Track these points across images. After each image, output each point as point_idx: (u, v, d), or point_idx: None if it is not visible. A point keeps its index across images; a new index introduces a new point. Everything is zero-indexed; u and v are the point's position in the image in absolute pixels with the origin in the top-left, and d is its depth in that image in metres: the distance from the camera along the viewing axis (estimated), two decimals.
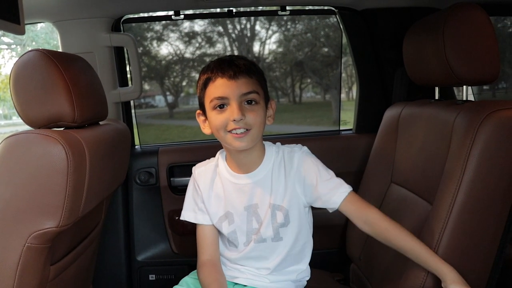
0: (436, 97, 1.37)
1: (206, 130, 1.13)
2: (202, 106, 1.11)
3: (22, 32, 0.84)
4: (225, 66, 1.04)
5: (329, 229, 1.72)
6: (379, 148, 1.56)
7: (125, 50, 1.79)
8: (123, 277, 1.81)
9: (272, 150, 1.14)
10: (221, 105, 1.04)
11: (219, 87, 1.04)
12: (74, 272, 1.31)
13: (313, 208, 1.19)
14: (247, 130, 1.04)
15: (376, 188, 1.48)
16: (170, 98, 9.20)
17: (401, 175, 1.39)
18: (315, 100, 9.38)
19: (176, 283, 1.22)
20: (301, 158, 1.11)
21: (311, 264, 1.21)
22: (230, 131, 1.04)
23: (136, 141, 1.96)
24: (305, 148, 1.15)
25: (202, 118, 1.13)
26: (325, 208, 1.14)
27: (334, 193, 1.09)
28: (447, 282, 0.98)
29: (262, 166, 1.12)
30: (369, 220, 1.07)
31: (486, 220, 1.06)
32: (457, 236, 1.05)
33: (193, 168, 1.21)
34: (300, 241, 1.16)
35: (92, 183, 1.14)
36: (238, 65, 1.04)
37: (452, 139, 1.11)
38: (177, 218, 1.76)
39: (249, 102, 1.04)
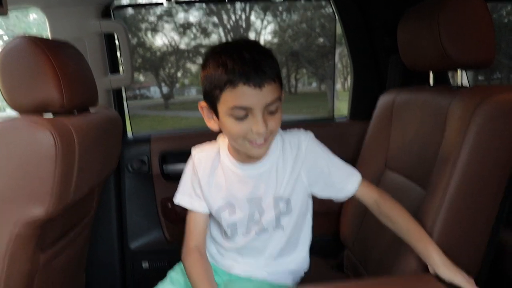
0: (431, 83, 1.36)
1: (213, 126, 1.01)
2: (211, 103, 0.96)
3: (4, 12, 0.82)
4: (248, 69, 0.89)
5: (323, 215, 1.71)
6: (373, 134, 1.55)
7: (116, 37, 1.76)
8: (116, 265, 1.80)
9: (277, 140, 1.07)
10: (243, 115, 0.93)
11: (242, 95, 0.90)
12: (66, 260, 1.30)
13: None
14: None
15: (371, 174, 1.46)
16: (165, 89, 9.16)
17: (396, 161, 1.38)
18: (311, 91, 9.37)
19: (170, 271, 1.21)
20: (310, 144, 1.07)
21: None
22: (249, 140, 0.96)
23: (129, 131, 1.94)
24: (311, 133, 1.10)
25: (208, 112, 1.00)
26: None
27: (348, 181, 1.07)
28: (434, 266, 0.97)
29: (266, 157, 1.06)
30: (378, 200, 1.07)
31: (480, 204, 1.06)
32: (451, 221, 1.05)
33: (193, 151, 1.13)
34: (299, 229, 1.13)
35: (82, 170, 1.12)
36: (263, 68, 0.90)
37: (446, 124, 1.10)
38: (170, 205, 1.75)
39: (272, 112, 0.95)
